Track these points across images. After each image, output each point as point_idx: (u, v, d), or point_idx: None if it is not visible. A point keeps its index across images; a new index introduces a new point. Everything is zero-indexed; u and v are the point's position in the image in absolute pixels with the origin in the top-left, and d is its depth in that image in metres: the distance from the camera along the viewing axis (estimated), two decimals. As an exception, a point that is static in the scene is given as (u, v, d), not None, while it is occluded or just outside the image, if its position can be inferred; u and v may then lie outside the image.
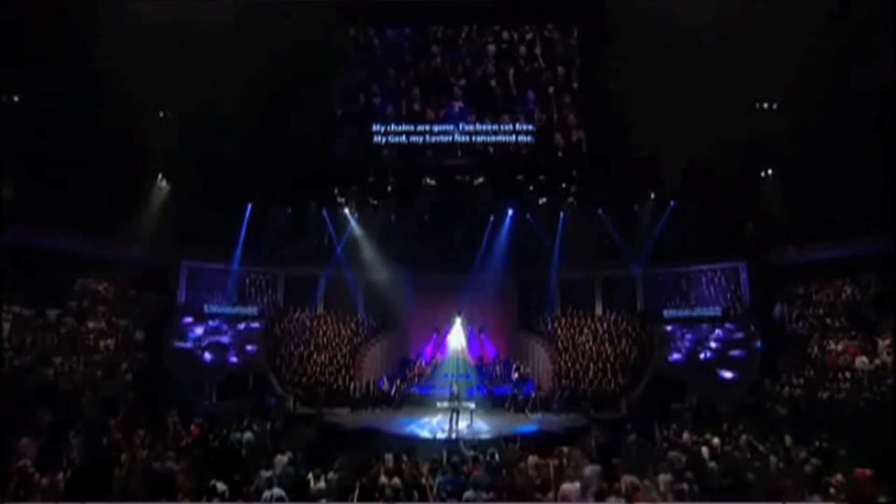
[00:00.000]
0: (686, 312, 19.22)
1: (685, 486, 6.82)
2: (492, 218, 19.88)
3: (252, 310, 18.76)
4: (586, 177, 17.82)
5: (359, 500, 6.17)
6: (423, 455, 8.28)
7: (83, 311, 14.81)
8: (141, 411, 10.48)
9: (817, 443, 8.80)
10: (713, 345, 17.64)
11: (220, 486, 6.25)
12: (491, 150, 16.21)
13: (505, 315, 20.81)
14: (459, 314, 18.76)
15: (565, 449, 8.60)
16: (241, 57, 12.75)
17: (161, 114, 14.37)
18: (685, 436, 10.00)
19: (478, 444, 9.33)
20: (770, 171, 18.52)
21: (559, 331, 19.56)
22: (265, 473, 6.70)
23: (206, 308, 17.99)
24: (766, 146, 17.46)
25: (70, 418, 9.55)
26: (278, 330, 18.42)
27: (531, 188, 18.31)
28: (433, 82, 16.53)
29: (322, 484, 6.52)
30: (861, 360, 13.15)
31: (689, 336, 18.47)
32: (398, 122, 16.15)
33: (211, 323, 17.75)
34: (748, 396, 13.89)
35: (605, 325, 19.37)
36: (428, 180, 16.93)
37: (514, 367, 18.36)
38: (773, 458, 8.09)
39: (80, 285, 15.43)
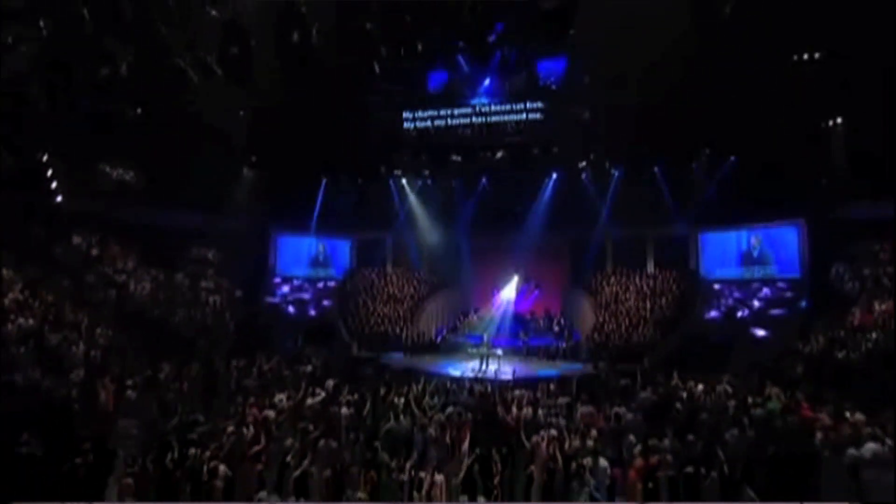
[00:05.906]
0: (739, 271, 19.28)
1: (630, 415, 8.38)
2: (546, 180, 21.06)
3: (328, 271, 22.16)
4: (641, 135, 17.88)
5: (370, 411, 8.62)
6: (434, 385, 10.53)
7: (197, 274, 18.81)
8: (239, 350, 13.91)
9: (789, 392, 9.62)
10: (756, 304, 17.73)
11: (280, 395, 9.15)
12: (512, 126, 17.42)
13: (558, 273, 22.28)
14: (517, 272, 20.56)
15: (550, 386, 10.41)
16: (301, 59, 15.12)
17: (241, 112, 17.43)
18: (674, 381, 11.15)
19: (474, 380, 11.55)
20: (839, 121, 17.57)
21: (605, 288, 20.60)
22: (311, 390, 9.44)
23: (291, 270, 21.63)
24: (832, 95, 16.56)
25: (191, 353, 13.24)
26: (349, 287, 21.60)
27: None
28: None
29: (349, 397, 9.07)
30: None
31: (736, 294, 18.65)
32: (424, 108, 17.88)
33: (295, 282, 21.47)
34: (769, 354, 14.29)
35: (650, 284, 20.05)
36: (454, 156, 18.56)
37: (556, 321, 19.91)
38: (731, 403, 9.18)
39: (195, 253, 19.47)
